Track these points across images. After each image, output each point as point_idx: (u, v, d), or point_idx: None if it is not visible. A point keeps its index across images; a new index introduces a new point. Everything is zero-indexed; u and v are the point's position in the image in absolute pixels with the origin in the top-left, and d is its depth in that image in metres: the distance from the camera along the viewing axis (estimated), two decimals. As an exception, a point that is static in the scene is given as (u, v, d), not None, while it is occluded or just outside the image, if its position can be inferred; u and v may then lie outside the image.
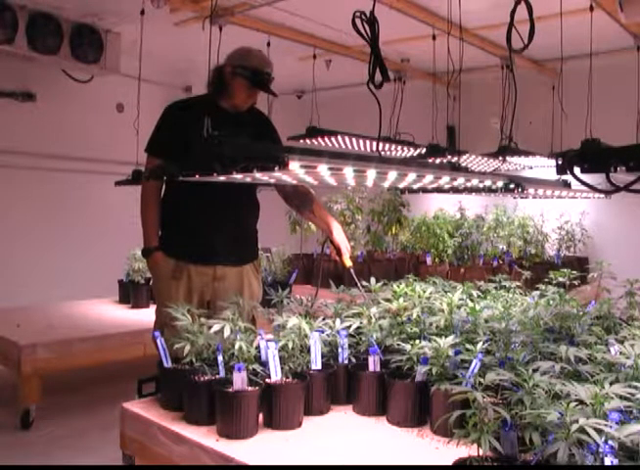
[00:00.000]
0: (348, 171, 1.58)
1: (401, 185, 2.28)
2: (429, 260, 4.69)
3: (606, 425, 1.27)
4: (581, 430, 1.26)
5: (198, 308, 2.24)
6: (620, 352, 1.74)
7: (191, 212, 2.62)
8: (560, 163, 1.50)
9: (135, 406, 1.97)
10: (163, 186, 2.69)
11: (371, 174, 1.70)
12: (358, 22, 1.77)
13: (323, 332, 2.05)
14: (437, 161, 4.37)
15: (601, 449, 1.26)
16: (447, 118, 4.73)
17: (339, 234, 2.72)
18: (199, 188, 2.32)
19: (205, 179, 1.84)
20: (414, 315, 2.15)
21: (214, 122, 2.48)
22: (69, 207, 5.49)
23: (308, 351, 1.96)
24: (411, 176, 1.78)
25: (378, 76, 1.78)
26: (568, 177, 1.58)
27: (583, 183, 1.55)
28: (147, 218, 2.64)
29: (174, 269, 2.60)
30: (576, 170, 1.50)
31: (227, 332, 1.87)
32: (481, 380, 1.51)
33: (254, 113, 2.77)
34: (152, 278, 2.80)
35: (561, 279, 2.62)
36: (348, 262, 2.67)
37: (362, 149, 4.83)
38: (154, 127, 2.66)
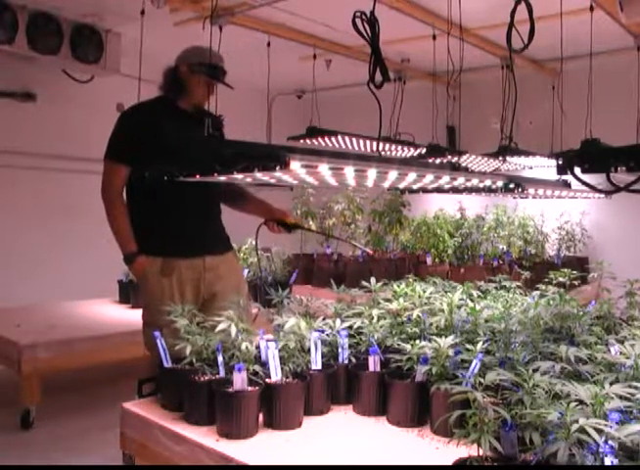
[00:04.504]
0: (349, 171, 1.58)
1: (401, 185, 2.28)
2: (429, 260, 4.68)
3: (606, 425, 1.27)
4: (581, 430, 1.27)
5: (193, 302, 2.25)
6: (621, 353, 1.74)
7: (169, 210, 2.63)
8: (561, 163, 1.50)
9: (135, 406, 1.97)
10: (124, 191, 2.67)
11: (371, 174, 1.70)
12: (358, 21, 1.78)
13: (323, 332, 2.05)
14: (438, 161, 4.37)
15: (601, 449, 1.26)
16: (447, 118, 4.73)
17: (275, 208, 2.86)
18: (171, 187, 2.28)
19: (206, 179, 1.85)
20: (414, 315, 2.15)
21: (176, 123, 2.53)
22: (70, 207, 5.48)
23: (308, 350, 1.96)
24: (411, 176, 1.78)
25: (378, 76, 1.78)
26: (568, 177, 1.58)
27: (584, 183, 1.55)
28: (120, 225, 2.61)
29: (162, 267, 2.59)
30: (577, 171, 1.50)
31: (233, 332, 1.86)
32: (481, 380, 1.51)
33: (206, 111, 2.78)
34: (138, 281, 2.77)
35: (561, 279, 2.62)
36: (293, 220, 2.84)
37: (362, 149, 4.83)
38: (112, 134, 2.65)
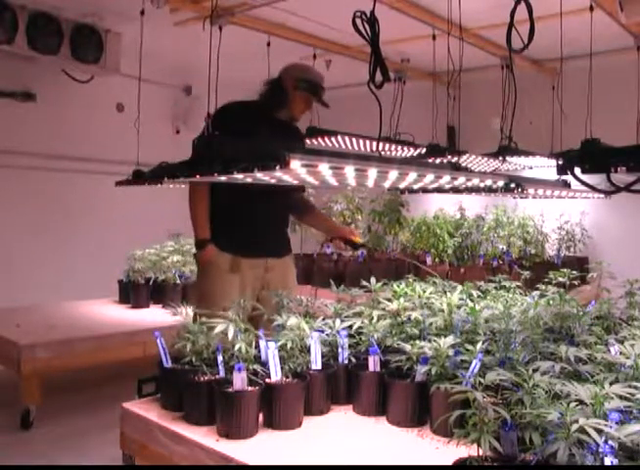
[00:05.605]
0: (349, 171, 1.58)
1: (402, 185, 2.28)
2: (429, 260, 4.68)
3: (606, 425, 1.27)
4: (581, 430, 1.27)
5: (250, 300, 2.46)
6: (620, 353, 1.74)
7: (244, 212, 2.78)
8: (561, 163, 1.50)
9: (135, 406, 1.97)
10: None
11: (372, 174, 1.70)
12: (358, 21, 1.78)
13: (323, 332, 2.05)
14: (438, 161, 4.37)
15: (601, 449, 1.26)
16: (447, 118, 4.72)
17: (341, 226, 3.11)
18: (250, 190, 2.41)
19: (205, 179, 1.85)
20: (414, 316, 2.15)
21: (270, 128, 2.70)
22: (70, 207, 5.49)
23: (308, 351, 1.96)
24: (411, 176, 1.78)
25: (378, 76, 1.78)
26: (568, 177, 1.58)
27: (584, 184, 1.55)
28: (198, 211, 2.76)
29: (232, 263, 2.72)
30: (577, 171, 1.50)
31: (231, 333, 1.86)
32: (481, 380, 1.51)
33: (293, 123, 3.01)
34: (201, 272, 2.84)
35: (561, 279, 2.62)
36: (361, 240, 3.01)
37: (362, 149, 4.82)
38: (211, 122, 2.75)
